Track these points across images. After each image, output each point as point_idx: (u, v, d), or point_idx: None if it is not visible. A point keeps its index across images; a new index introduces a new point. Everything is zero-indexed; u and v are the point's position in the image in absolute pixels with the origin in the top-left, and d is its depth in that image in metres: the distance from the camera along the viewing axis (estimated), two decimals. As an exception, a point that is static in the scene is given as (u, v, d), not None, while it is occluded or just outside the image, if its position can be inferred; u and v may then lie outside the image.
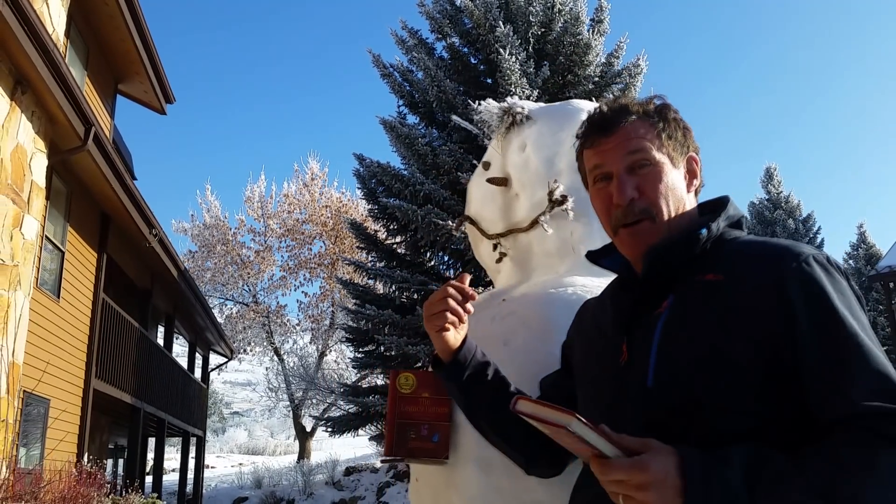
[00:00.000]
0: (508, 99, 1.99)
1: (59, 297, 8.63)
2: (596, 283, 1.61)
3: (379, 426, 14.51)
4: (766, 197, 38.47)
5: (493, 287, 2.16)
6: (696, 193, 1.30)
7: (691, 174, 1.28)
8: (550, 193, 1.73)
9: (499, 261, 2.00)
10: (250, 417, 48.65)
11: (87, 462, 7.05)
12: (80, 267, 9.36)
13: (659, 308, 1.17)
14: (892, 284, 24.91)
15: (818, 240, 37.23)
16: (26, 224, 6.84)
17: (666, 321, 1.15)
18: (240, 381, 48.47)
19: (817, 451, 0.99)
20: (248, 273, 26.22)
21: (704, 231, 1.19)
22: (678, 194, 1.23)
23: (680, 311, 1.15)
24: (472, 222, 2.09)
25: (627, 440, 0.96)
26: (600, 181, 1.25)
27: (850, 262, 38.32)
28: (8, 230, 6.44)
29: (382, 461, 1.65)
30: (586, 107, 1.94)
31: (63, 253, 8.75)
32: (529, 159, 1.88)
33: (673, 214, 1.21)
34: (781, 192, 38.37)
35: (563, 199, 1.71)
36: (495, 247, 1.99)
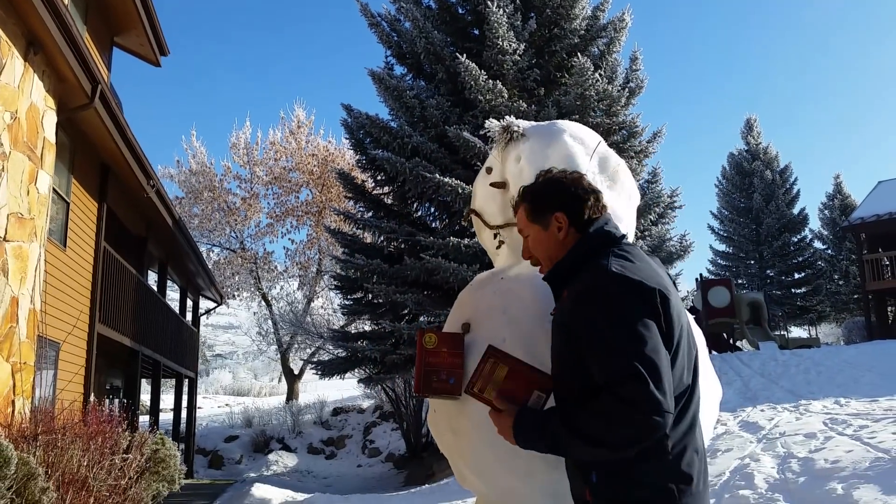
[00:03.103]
0: (507, 118, 2.49)
1: (65, 247, 9.05)
2: (571, 266, 2.15)
3: (367, 370, 15.12)
4: (746, 148, 39.01)
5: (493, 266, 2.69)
6: (578, 228, 1.97)
7: (558, 228, 1.97)
8: None
9: (498, 247, 2.53)
10: (234, 360, 49.29)
11: (93, 401, 7.58)
12: (83, 217, 9.76)
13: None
14: (863, 235, 25.76)
15: (794, 191, 37.98)
16: (40, 179, 7.22)
17: (551, 322, 1.98)
18: (222, 324, 48.92)
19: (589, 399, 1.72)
20: (235, 220, 26.56)
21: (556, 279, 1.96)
22: (546, 245, 1.99)
23: (556, 316, 1.93)
24: (477, 214, 2.61)
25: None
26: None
27: (826, 212, 39.19)
28: (25, 186, 6.83)
29: (413, 396, 2.24)
30: (568, 128, 2.46)
31: (68, 204, 9.14)
32: (524, 169, 2.40)
33: (549, 258, 1.98)
34: (760, 143, 38.91)
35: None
36: (495, 235, 2.53)
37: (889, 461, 6.44)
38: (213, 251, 27.26)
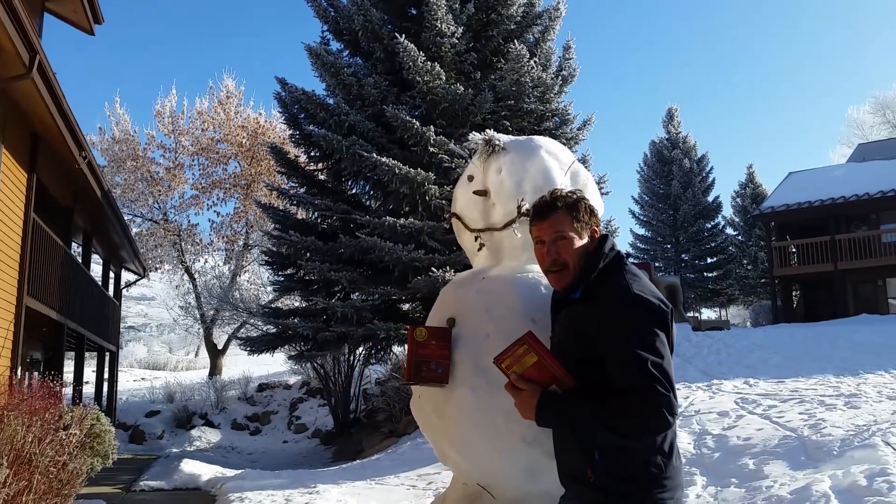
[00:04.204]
0: (488, 131, 2.72)
1: (-6, 218, 8.82)
2: (544, 270, 2.42)
3: (299, 347, 15.18)
4: (666, 137, 40.33)
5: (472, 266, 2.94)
6: (602, 242, 2.31)
7: (591, 239, 2.31)
8: (519, 207, 2.54)
9: (479, 249, 2.78)
10: (147, 332, 48.06)
11: (35, 377, 7.50)
12: (12, 188, 9.49)
13: (560, 312, 2.32)
14: (772, 224, 27.15)
15: (710, 179, 39.58)
16: (-26, 150, 7.04)
17: (562, 319, 2.24)
18: (134, 296, 47.55)
19: (612, 394, 2.05)
20: (159, 190, 25.96)
21: (579, 292, 2.24)
22: (581, 252, 2.27)
23: (568, 316, 2.27)
24: (458, 218, 2.85)
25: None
26: (538, 244, 2.33)
27: (738, 200, 41.00)
28: (-40, 157, 6.66)
29: (402, 384, 2.46)
30: (545, 144, 2.72)
31: (-2, 174, 8.88)
32: (504, 180, 2.66)
33: (577, 264, 2.25)
34: (680, 132, 40.31)
35: (528, 212, 2.47)
36: (476, 238, 2.77)
37: (796, 439, 7.03)
38: (134, 222, 26.58)
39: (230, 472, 11.56)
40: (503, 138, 2.73)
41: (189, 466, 11.82)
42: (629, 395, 1.99)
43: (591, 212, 2.32)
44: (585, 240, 2.29)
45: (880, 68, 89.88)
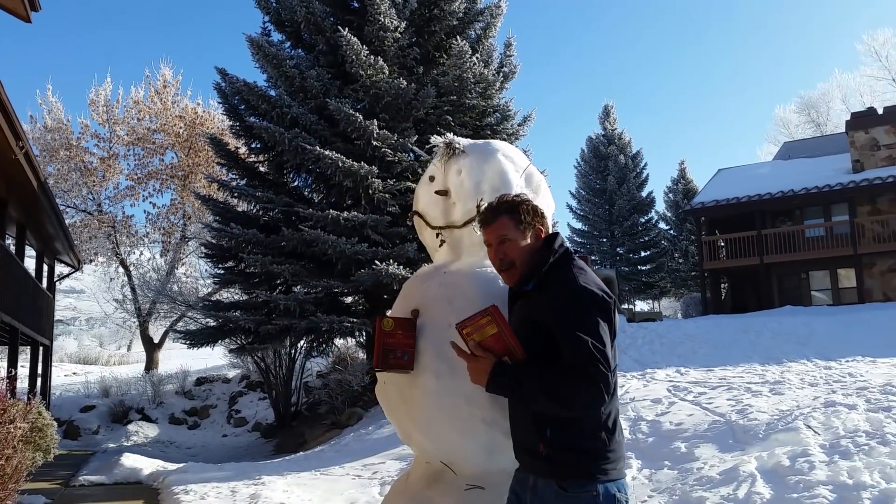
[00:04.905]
0: (448, 135, 2.92)
1: (-74, 209, 8.59)
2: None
3: (240, 340, 15.10)
4: (603, 133, 41.24)
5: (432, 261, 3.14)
6: (547, 241, 2.52)
7: (536, 238, 2.52)
8: (478, 207, 2.75)
9: (440, 245, 2.99)
10: (76, 326, 46.69)
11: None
12: (-56, 178, 9.25)
13: (515, 304, 2.55)
14: (703, 219, 28.07)
15: (644, 175, 40.65)
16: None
17: (518, 309, 2.45)
18: (63, 289, 46.10)
19: (557, 368, 2.28)
20: (93, 180, 25.36)
21: (532, 285, 2.45)
22: (526, 251, 2.48)
23: (523, 306, 2.47)
24: (420, 216, 3.05)
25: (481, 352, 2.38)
26: (488, 246, 2.56)
27: (670, 195, 42.23)
28: None
29: (370, 371, 2.65)
30: (501, 148, 2.95)
31: (-70, 164, 8.66)
32: (464, 181, 2.87)
33: (525, 262, 2.47)
34: (616, 129, 41.27)
35: (485, 213, 2.69)
36: (437, 235, 2.97)
37: (724, 423, 7.45)
38: (67, 213, 25.89)
39: (172, 466, 11.48)
40: (463, 142, 2.94)
41: (129, 461, 11.69)
42: (573, 370, 2.22)
43: (535, 212, 2.53)
44: (530, 239, 2.50)
45: (806, 69, 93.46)
